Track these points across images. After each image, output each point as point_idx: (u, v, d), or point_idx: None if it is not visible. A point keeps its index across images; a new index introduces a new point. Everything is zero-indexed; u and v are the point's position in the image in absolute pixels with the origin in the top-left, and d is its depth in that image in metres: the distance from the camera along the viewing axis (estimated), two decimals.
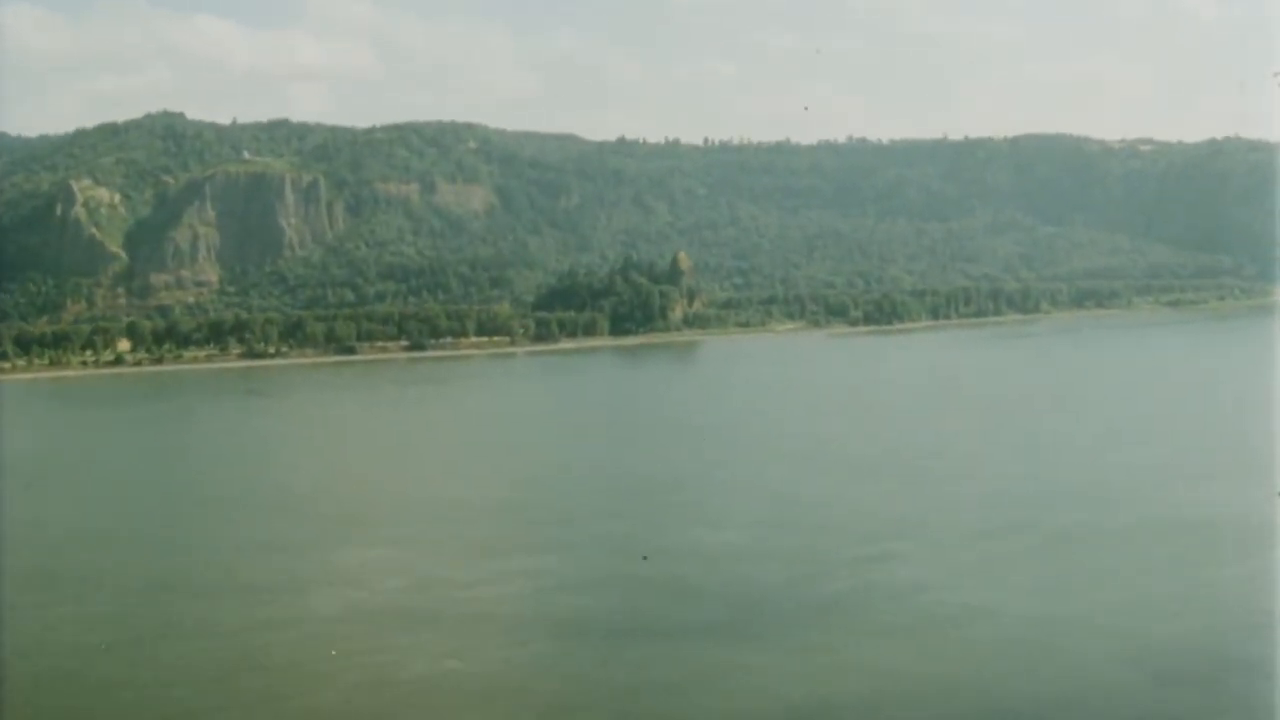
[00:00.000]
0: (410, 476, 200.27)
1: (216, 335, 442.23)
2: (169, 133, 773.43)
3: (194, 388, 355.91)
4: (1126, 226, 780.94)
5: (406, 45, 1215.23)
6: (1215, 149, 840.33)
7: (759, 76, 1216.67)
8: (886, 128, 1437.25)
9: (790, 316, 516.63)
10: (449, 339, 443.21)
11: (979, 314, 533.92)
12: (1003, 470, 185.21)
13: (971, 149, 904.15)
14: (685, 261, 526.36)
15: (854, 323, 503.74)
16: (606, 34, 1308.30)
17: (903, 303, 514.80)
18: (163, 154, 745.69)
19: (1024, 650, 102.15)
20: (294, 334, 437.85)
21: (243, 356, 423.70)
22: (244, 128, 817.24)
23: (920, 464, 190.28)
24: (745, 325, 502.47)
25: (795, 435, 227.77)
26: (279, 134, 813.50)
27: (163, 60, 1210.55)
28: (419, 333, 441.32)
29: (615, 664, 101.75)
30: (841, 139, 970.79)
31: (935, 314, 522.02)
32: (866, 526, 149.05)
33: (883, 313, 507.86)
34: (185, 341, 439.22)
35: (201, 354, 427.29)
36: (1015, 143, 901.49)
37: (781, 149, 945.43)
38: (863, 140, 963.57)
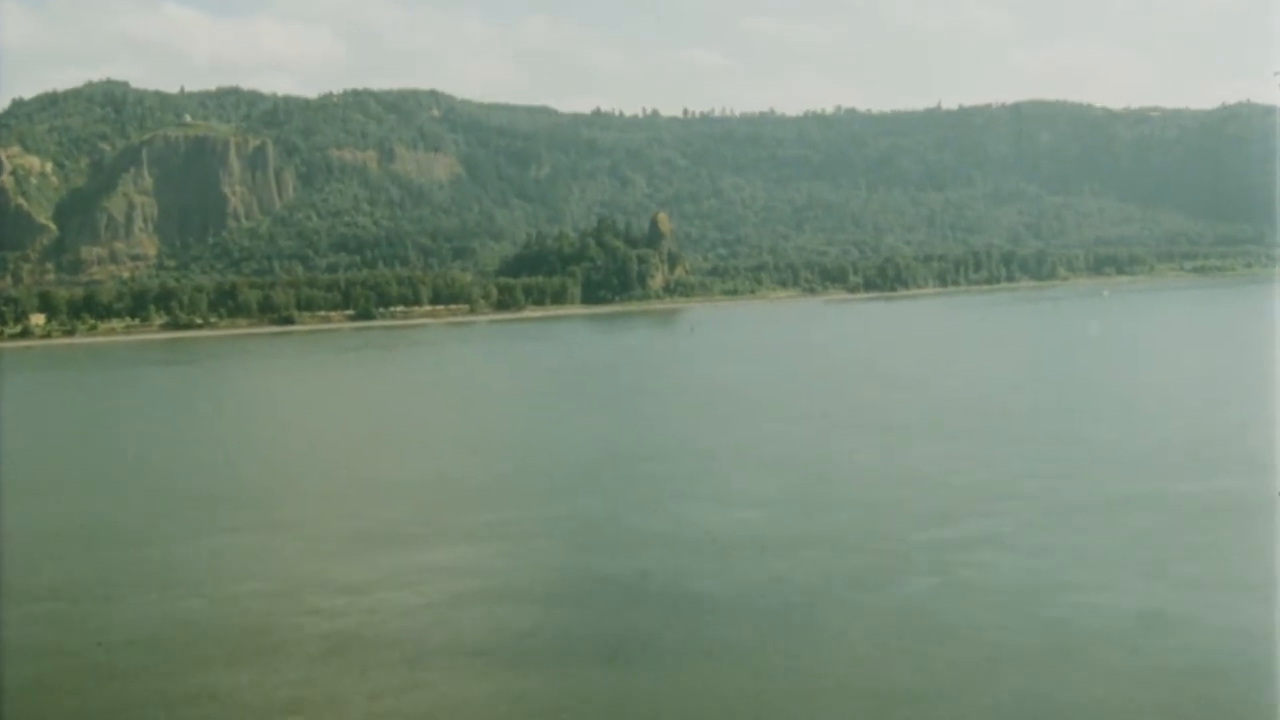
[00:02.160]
0: (321, 448, 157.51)
1: (140, 305, 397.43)
2: (108, 99, 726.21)
3: (98, 360, 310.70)
4: (1137, 194, 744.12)
5: (376, 31, 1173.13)
6: (1229, 114, 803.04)
7: (739, 62, 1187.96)
8: (874, 102, 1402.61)
9: (782, 284, 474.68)
10: (400, 308, 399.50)
11: (991, 280, 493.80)
12: (1085, 430, 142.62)
13: (968, 117, 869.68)
14: (665, 223, 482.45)
15: (854, 289, 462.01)
16: (582, 20, 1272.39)
17: (908, 267, 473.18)
18: (101, 121, 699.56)
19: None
20: (225, 303, 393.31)
21: (166, 328, 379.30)
22: (191, 96, 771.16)
23: (975, 424, 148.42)
24: (733, 293, 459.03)
25: (814, 395, 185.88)
26: (228, 101, 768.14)
27: (125, 52, 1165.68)
28: (366, 301, 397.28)
29: None
30: (829, 109, 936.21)
31: (943, 280, 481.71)
32: (933, 500, 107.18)
33: (886, 278, 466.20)
34: (105, 313, 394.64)
35: (120, 326, 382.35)
36: (1015, 109, 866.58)
37: (766, 119, 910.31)
38: (851, 110, 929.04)
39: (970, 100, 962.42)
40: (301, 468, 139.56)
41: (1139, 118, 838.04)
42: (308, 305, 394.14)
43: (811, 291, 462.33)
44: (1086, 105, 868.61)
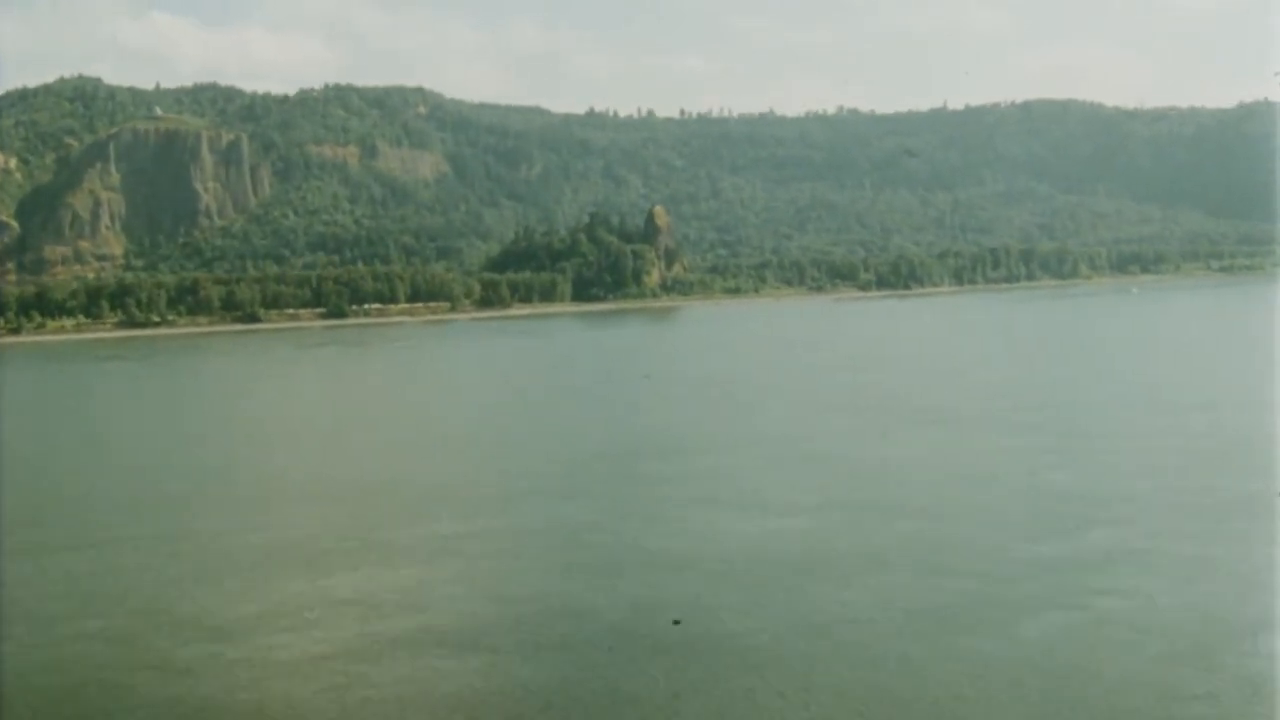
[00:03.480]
0: (258, 446, 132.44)
1: (94, 302, 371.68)
2: (79, 95, 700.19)
3: (34, 358, 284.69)
4: (1155, 194, 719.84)
5: (365, 38, 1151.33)
6: (1246, 112, 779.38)
7: (735, 66, 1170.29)
8: (874, 104, 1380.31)
9: (787, 282, 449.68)
10: (376, 306, 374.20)
11: (1010, 278, 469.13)
12: (1164, 424, 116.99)
13: (977, 116, 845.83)
14: (662, 217, 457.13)
15: (865, 287, 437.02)
16: (574, 25, 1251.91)
17: (922, 264, 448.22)
18: (69, 116, 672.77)
19: None
20: (186, 300, 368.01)
21: (121, 326, 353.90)
22: (166, 92, 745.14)
23: (1037, 417, 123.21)
24: (736, 292, 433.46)
25: (841, 386, 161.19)
26: (204, 97, 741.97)
27: (112, 58, 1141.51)
28: (338, 297, 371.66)
29: None
30: (831, 110, 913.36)
31: (959, 278, 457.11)
32: (1024, 505, 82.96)
33: (899, 276, 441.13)
34: (58, 310, 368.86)
35: (71, 324, 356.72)
36: (1025, 108, 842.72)
37: (765, 120, 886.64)
38: (854, 111, 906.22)
39: (974, 100, 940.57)
40: (226, 469, 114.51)
41: (1155, 116, 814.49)
42: (275, 302, 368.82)
43: (819, 289, 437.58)
44: (1098, 104, 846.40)
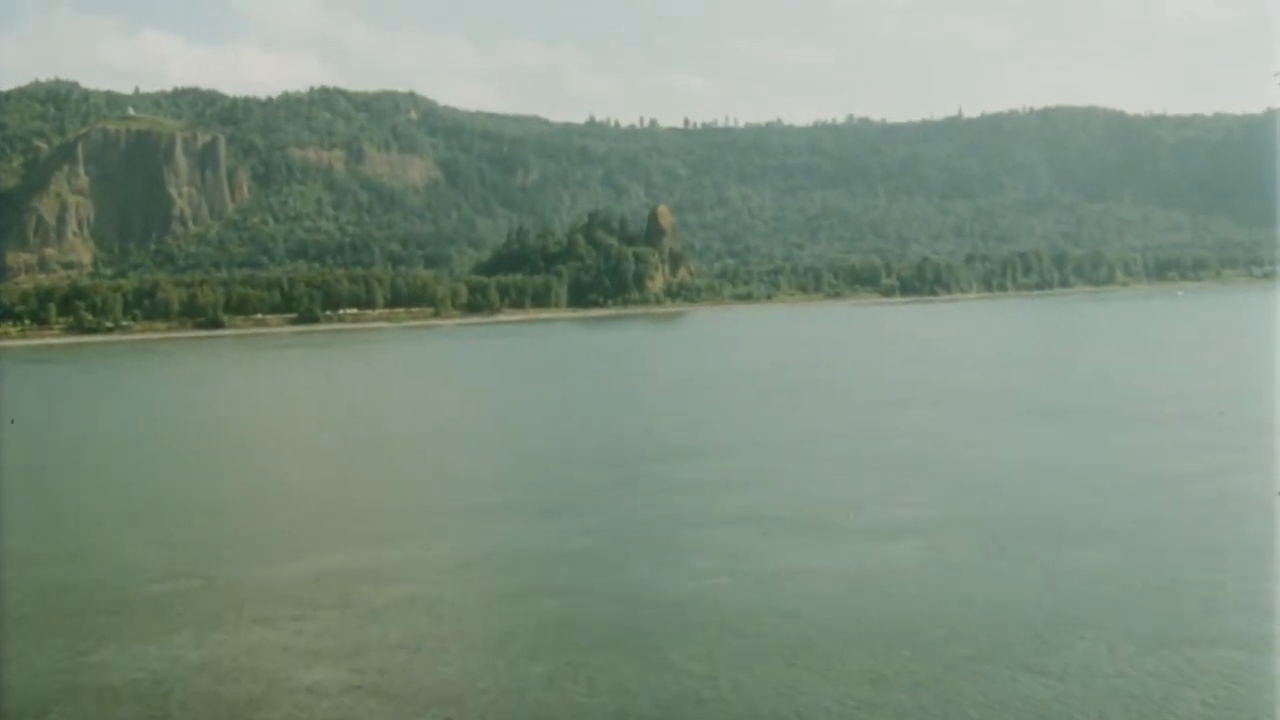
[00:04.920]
0: (143, 455, 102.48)
1: (43, 306, 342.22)
2: (51, 97, 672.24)
3: None
4: (1183, 201, 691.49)
5: (358, 54, 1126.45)
6: (1273, 117, 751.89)
7: (735, 86, 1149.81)
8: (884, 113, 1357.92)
9: (802, 289, 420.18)
10: (352, 310, 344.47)
11: (1042, 284, 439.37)
12: None
13: (994, 123, 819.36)
14: (667, 217, 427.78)
15: (887, 292, 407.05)
16: (574, 45, 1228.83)
17: (949, 268, 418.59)
18: (39, 118, 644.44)
19: None
20: (142, 304, 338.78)
21: (70, 331, 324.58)
22: (145, 96, 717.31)
23: (1181, 407, 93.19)
24: (747, 298, 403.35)
25: (909, 379, 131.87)
26: (184, 100, 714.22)
27: (101, 75, 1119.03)
28: (309, 301, 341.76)
29: None
30: (840, 119, 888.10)
31: (988, 283, 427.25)
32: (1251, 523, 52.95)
33: (924, 281, 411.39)
34: (4, 316, 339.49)
35: (15, 329, 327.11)
36: (1045, 115, 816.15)
37: (773, 129, 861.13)
38: (864, 120, 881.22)
39: (990, 108, 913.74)
40: (86, 479, 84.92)
41: (1180, 122, 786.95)
42: (240, 307, 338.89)
43: (837, 295, 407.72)
44: (1119, 111, 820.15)
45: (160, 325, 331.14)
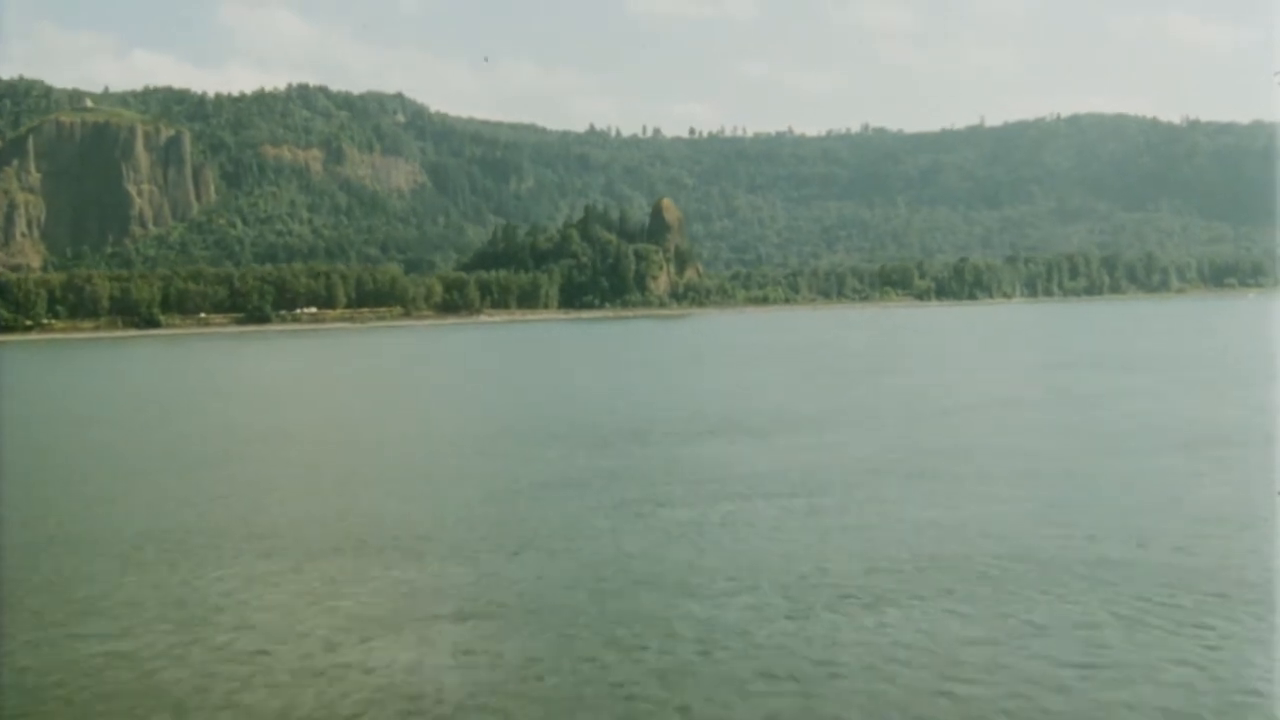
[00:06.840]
0: None
1: None
2: (9, 91, 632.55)
3: None
4: (1224, 210, 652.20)
5: (353, 75, 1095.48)
6: None
7: (739, 107, 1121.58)
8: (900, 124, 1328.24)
9: (824, 293, 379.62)
10: (310, 310, 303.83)
11: (1091, 289, 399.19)
12: None
13: (1019, 130, 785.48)
14: (672, 211, 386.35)
15: (921, 296, 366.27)
16: (573, 68, 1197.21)
17: (989, 270, 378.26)
18: None
19: None
20: (67, 300, 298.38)
21: None
22: (113, 95, 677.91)
23: None
24: (762, 301, 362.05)
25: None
26: (153, 99, 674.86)
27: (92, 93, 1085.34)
28: (260, 298, 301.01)
29: None
30: (855, 128, 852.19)
31: (1032, 287, 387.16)
32: None
33: (962, 283, 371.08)
34: None
35: None
36: (1074, 122, 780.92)
37: (784, 139, 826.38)
38: (880, 130, 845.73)
39: (1013, 116, 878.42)
40: None
41: (1218, 129, 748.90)
42: (179, 304, 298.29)
43: (863, 299, 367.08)
44: (1152, 118, 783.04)
45: (86, 324, 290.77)
